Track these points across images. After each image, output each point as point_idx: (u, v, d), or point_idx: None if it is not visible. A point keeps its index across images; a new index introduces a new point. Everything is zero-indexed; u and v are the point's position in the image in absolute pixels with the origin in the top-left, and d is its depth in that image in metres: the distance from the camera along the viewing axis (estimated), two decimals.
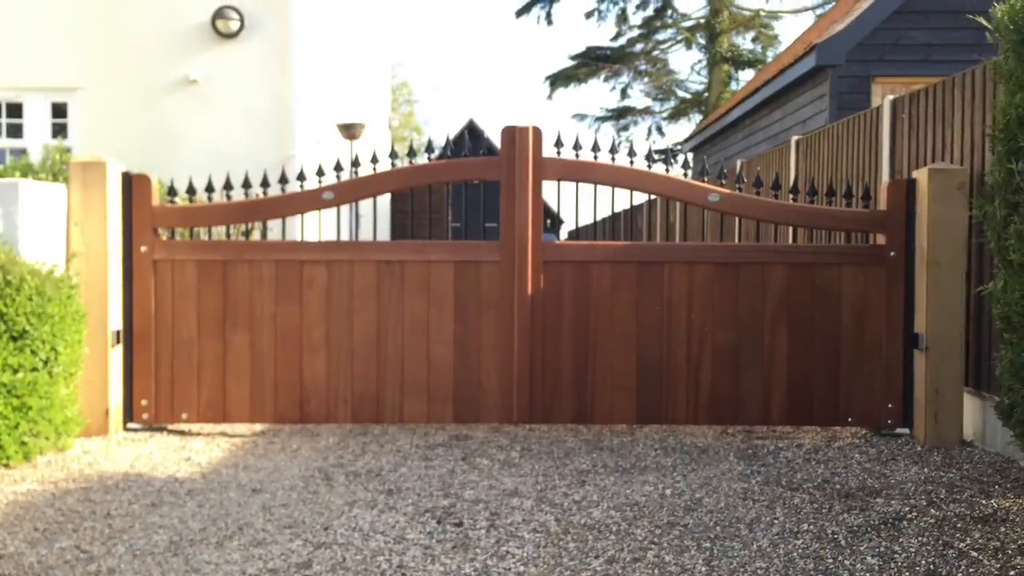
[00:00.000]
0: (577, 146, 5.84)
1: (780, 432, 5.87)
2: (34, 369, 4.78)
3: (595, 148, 5.84)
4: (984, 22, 4.48)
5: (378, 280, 5.76)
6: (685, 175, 5.94)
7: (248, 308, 5.75)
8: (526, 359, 5.77)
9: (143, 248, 5.70)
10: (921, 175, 5.59)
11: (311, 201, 5.78)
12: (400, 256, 5.78)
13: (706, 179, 5.97)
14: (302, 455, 5.12)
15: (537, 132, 5.75)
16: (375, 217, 5.98)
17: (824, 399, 5.80)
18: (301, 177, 5.99)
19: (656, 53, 21.66)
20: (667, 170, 5.90)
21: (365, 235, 11.73)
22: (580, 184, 5.92)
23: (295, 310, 5.76)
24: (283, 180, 5.87)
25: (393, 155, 6.11)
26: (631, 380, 5.81)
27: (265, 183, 5.93)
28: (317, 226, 6.01)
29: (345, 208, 6.97)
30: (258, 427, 5.86)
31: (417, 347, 5.79)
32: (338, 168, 5.89)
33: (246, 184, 5.87)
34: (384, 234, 13.99)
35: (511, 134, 5.73)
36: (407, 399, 5.81)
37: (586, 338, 5.80)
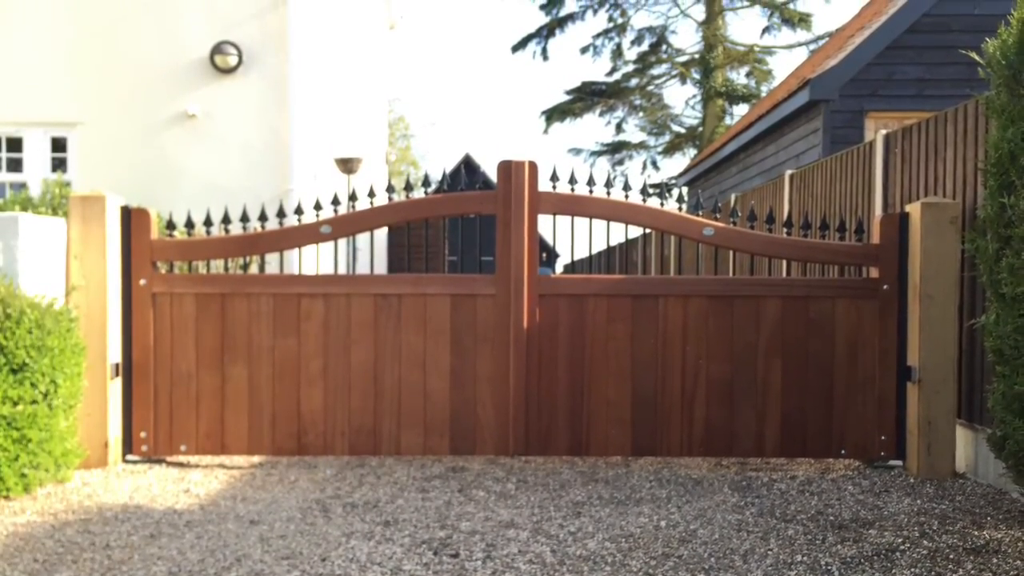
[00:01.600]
0: (573, 180, 5.91)
1: (774, 464, 5.90)
2: (34, 402, 4.81)
3: (590, 182, 5.92)
4: (976, 57, 4.57)
5: (375, 313, 5.81)
6: (680, 209, 6.01)
7: (246, 341, 5.79)
8: (522, 391, 5.81)
9: (142, 281, 5.75)
10: (914, 209, 5.67)
11: (309, 235, 5.85)
12: (397, 289, 5.83)
13: (700, 213, 6.06)
14: (300, 487, 5.13)
15: (533, 166, 5.83)
16: (372, 251, 6.05)
17: (817, 431, 5.84)
18: (298, 211, 6.07)
19: (651, 88, 21.82)
20: (662, 204, 5.98)
21: (362, 268, 11.81)
22: (576, 218, 5.99)
23: (293, 343, 5.80)
24: (280, 214, 5.93)
25: (390, 189, 6.19)
26: (626, 412, 5.85)
27: (263, 217, 6.01)
28: (315, 259, 6.06)
29: (343, 242, 7.02)
30: (256, 459, 5.88)
31: (414, 379, 5.83)
32: (335, 202, 5.96)
33: (244, 218, 5.93)
34: (381, 267, 14.06)
35: (507, 168, 5.82)
36: (404, 431, 5.84)
37: (581, 371, 5.85)
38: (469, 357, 5.84)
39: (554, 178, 5.89)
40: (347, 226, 5.86)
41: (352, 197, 6.06)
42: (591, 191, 5.92)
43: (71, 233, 5.55)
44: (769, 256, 6.04)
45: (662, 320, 5.85)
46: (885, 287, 5.79)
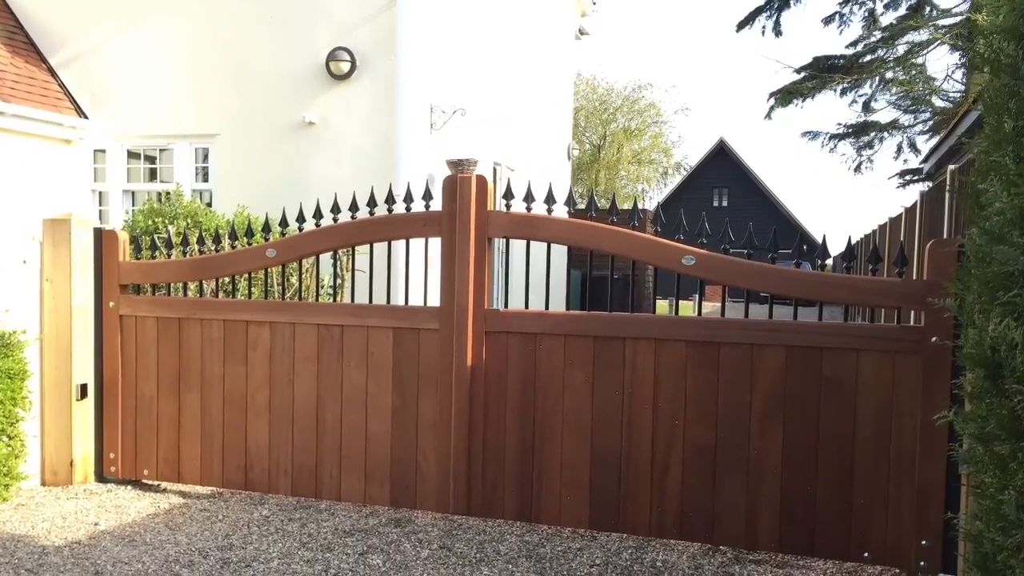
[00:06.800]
0: (529, 197, 5.00)
1: (781, 560, 4.59)
2: None
3: (549, 200, 4.96)
4: None
5: (318, 345, 5.33)
6: (655, 232, 4.84)
7: (199, 367, 5.59)
8: (464, 442, 5.03)
9: (111, 303, 5.74)
10: None
11: (255, 259, 5.48)
12: (339, 320, 5.29)
13: (680, 237, 4.79)
14: (211, 530, 4.80)
15: (481, 181, 4.99)
16: (317, 273, 5.55)
17: (830, 524, 4.46)
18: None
19: (908, 58, 18.30)
20: (640, 224, 4.86)
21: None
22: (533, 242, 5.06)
23: (241, 371, 5.49)
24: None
25: (353, 207, 5.56)
26: (583, 476, 4.86)
27: (233, 236, 5.75)
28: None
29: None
30: (206, 490, 5.65)
31: (355, 420, 5.28)
32: (317, 214, 5.45)
33: (216, 239, 5.70)
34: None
35: (453, 184, 5.04)
36: (345, 475, 5.31)
37: (532, 423, 4.94)
38: (411, 399, 5.17)
39: (508, 195, 5.01)
40: (291, 250, 5.41)
41: (316, 214, 5.54)
42: (550, 210, 4.96)
43: (43, 256, 5.65)
44: (767, 293, 4.67)
45: (629, 368, 4.77)
46: (934, 339, 4.26)
